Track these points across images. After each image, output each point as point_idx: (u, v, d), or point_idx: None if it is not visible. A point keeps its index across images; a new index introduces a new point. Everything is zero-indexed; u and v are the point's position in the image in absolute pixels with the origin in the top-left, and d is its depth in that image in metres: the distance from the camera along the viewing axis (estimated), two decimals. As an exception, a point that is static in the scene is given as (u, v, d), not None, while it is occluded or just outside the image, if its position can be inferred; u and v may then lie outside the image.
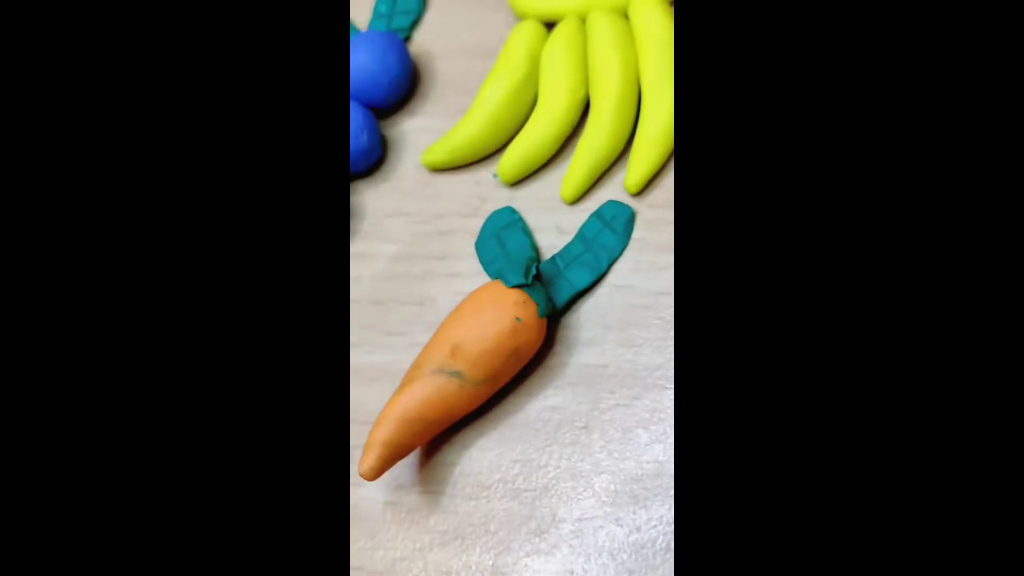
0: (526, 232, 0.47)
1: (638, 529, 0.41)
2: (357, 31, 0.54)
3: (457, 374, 0.42)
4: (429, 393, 0.42)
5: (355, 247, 0.50)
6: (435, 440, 0.44)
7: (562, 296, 0.45)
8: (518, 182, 0.49)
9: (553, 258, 0.46)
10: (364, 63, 0.50)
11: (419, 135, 0.52)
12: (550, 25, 0.52)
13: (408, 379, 0.43)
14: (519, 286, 0.43)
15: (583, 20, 0.50)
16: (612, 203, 0.47)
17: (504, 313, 0.43)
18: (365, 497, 0.44)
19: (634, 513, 0.41)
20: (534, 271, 0.44)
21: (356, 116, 0.49)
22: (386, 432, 0.42)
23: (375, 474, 0.41)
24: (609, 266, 0.46)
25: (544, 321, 0.43)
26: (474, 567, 0.41)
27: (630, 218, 0.46)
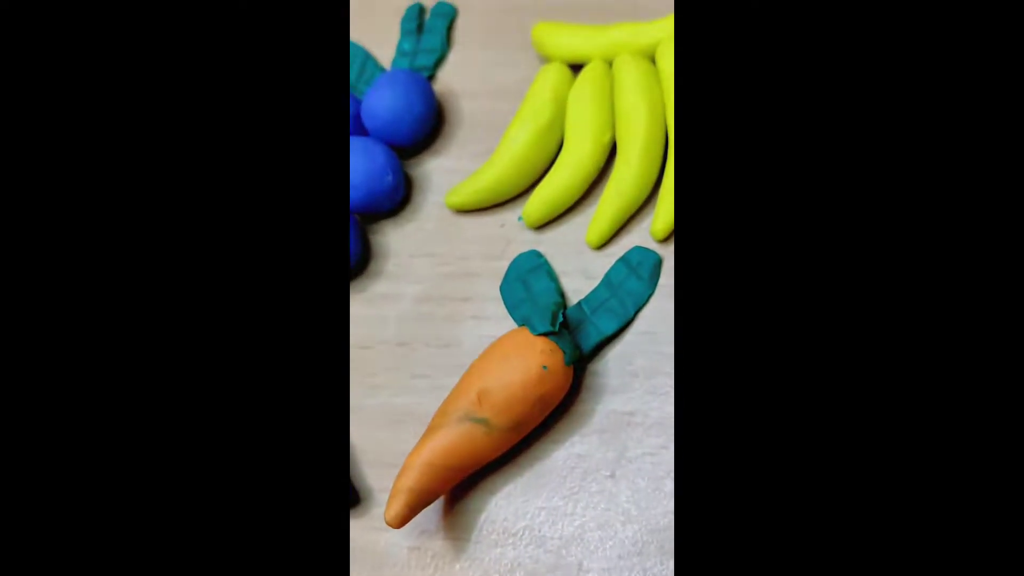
0: (552, 276, 0.47)
1: (665, 581, 0.41)
2: (381, 69, 0.54)
3: (483, 421, 0.42)
4: (455, 440, 0.42)
5: (380, 287, 0.50)
6: (460, 486, 0.44)
7: (589, 342, 0.45)
8: (543, 225, 0.49)
9: (579, 304, 0.46)
10: (388, 102, 0.50)
11: (443, 175, 0.52)
12: (576, 67, 0.52)
13: (434, 426, 0.43)
14: (546, 334, 0.43)
15: (609, 63, 0.50)
16: (638, 249, 0.47)
17: (531, 361, 0.43)
18: (391, 542, 0.44)
19: (661, 564, 0.41)
20: (561, 318, 0.44)
21: (380, 156, 0.49)
22: (412, 479, 0.41)
23: (401, 521, 0.41)
24: (636, 313, 0.46)
25: (571, 369, 0.43)
26: (500, 617, 0.41)
27: (656, 264, 0.46)
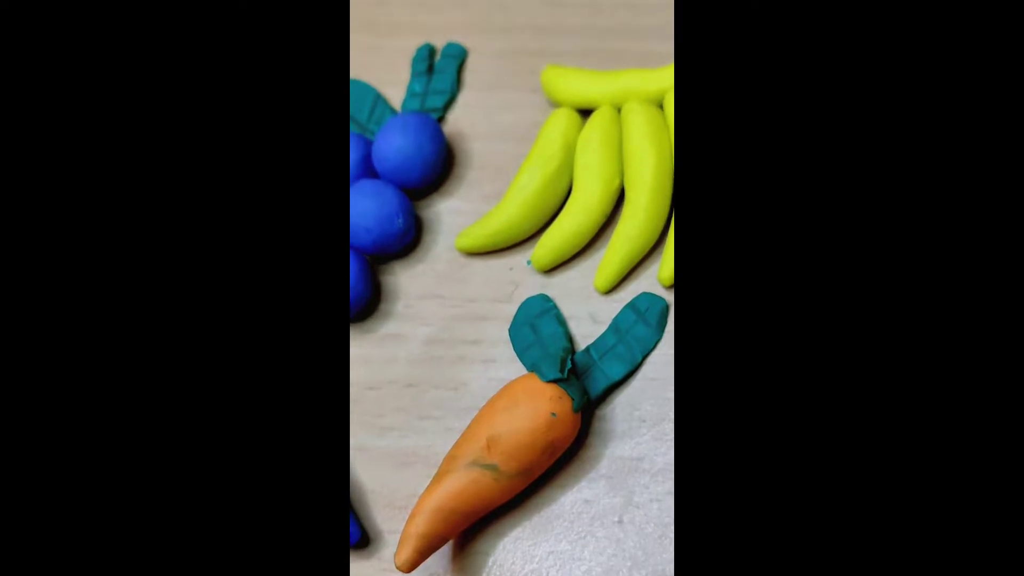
0: (560, 321, 0.48)
1: (672, 628, 0.41)
2: (392, 110, 0.55)
3: (492, 467, 0.43)
4: (464, 486, 0.43)
5: (390, 328, 0.50)
6: (469, 530, 0.45)
7: (597, 388, 0.46)
8: (552, 269, 0.50)
9: (587, 349, 0.47)
10: (399, 146, 0.51)
11: (453, 217, 0.52)
12: (585, 112, 0.53)
13: (443, 471, 0.43)
14: (555, 380, 0.44)
15: (618, 109, 0.51)
16: (646, 295, 0.47)
17: (540, 408, 0.43)
18: (399, 586, 0.44)
19: (668, 611, 0.41)
20: (569, 364, 0.44)
21: (391, 200, 0.50)
22: (421, 525, 0.42)
23: (411, 567, 0.41)
24: (643, 358, 0.46)
25: (579, 415, 0.44)
26: (508, 662, 0.42)
27: (664, 310, 0.47)
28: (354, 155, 0.52)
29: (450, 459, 0.44)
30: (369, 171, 0.52)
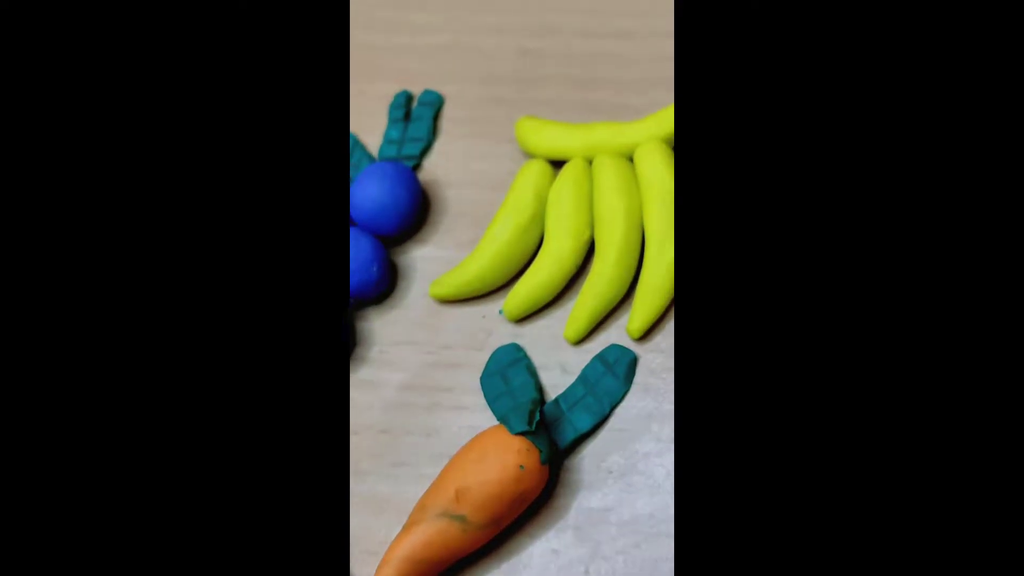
0: (531, 371, 0.49)
1: None
2: (369, 156, 0.56)
3: (461, 518, 0.44)
4: (432, 536, 0.44)
5: (364, 374, 0.51)
6: (439, 578, 0.46)
7: (565, 439, 0.47)
8: (523, 318, 0.51)
9: (556, 400, 0.48)
10: (374, 195, 0.52)
11: (428, 264, 0.53)
12: (558, 162, 0.53)
13: (413, 520, 0.44)
14: (523, 433, 0.44)
15: (590, 162, 0.52)
16: (615, 347, 0.48)
17: (508, 460, 0.44)
18: (370, 633, 0.45)
19: (631, 662, 0.42)
20: (538, 416, 0.45)
21: (366, 248, 0.51)
22: (391, 573, 0.43)
23: (380, 615, 0.42)
24: (611, 410, 0.47)
25: (547, 467, 0.45)
26: None
27: (632, 363, 0.48)
28: (331, 202, 0.53)
29: (420, 508, 0.45)
30: (346, 218, 0.53)
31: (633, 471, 0.46)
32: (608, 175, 0.50)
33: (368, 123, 0.58)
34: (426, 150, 0.56)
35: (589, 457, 0.47)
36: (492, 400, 0.48)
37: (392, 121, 0.57)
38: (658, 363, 0.48)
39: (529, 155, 0.54)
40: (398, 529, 0.46)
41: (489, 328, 0.51)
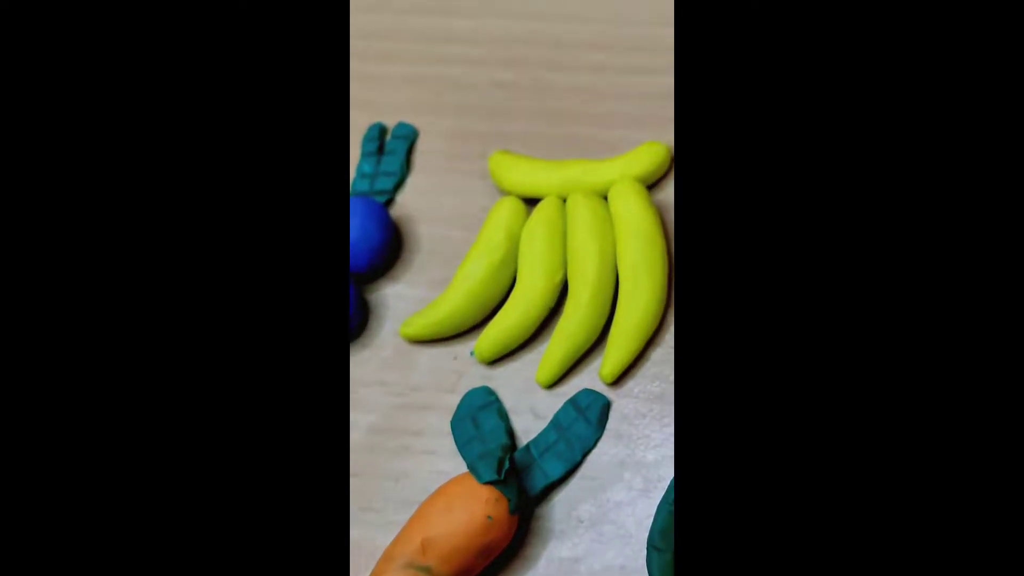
0: (502, 415, 0.48)
1: None
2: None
3: (426, 570, 0.43)
4: (399, 587, 0.43)
5: (333, 416, 0.50)
6: (405, 629, 0.45)
7: (535, 486, 0.46)
8: (495, 360, 0.50)
9: (527, 446, 0.47)
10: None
11: (399, 302, 0.52)
12: (532, 199, 0.53)
13: (379, 571, 0.43)
14: (491, 482, 0.43)
15: (563, 199, 0.51)
16: (587, 392, 0.47)
17: (475, 511, 0.43)
18: None
19: None
20: (507, 465, 0.44)
21: (337, 287, 0.50)
22: (356, 626, 0.42)
23: (344, 670, 0.41)
24: (583, 457, 0.46)
25: (516, 517, 0.44)
26: None
27: (605, 408, 0.47)
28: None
29: (386, 558, 0.43)
30: (316, 254, 0.52)
31: (604, 520, 0.45)
32: (582, 214, 0.49)
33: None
34: (399, 185, 0.55)
35: (560, 505, 0.46)
36: (462, 445, 0.47)
37: (365, 154, 0.56)
38: (631, 408, 0.47)
39: (502, 191, 0.53)
40: (365, 576, 0.45)
41: (460, 370, 0.50)
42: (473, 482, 0.44)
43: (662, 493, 0.45)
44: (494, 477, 0.43)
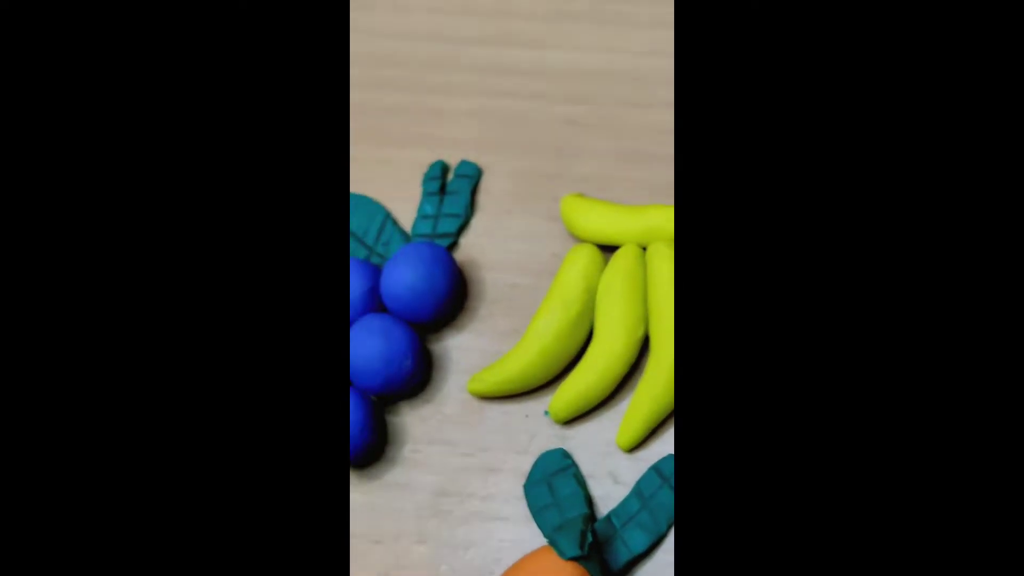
0: (579, 480, 0.45)
1: None
2: (401, 232, 0.52)
3: (507, 653, 0.40)
4: (476, 672, 0.40)
5: (396, 476, 0.47)
6: None
7: (618, 561, 0.43)
8: (571, 420, 0.47)
9: (609, 516, 0.44)
10: (409, 280, 0.48)
11: (464, 354, 0.49)
12: (605, 247, 0.49)
13: (454, 653, 0.40)
14: (574, 558, 0.40)
15: (643, 248, 0.48)
16: (671, 457, 0.44)
17: (559, 590, 0.40)
18: None
19: None
20: (590, 538, 0.41)
21: (401, 339, 0.47)
22: None
23: None
24: (668, 528, 0.43)
25: (600, 596, 0.41)
26: None
27: (691, 476, 0.44)
28: (361, 286, 0.49)
29: (460, 639, 0.41)
30: (376, 302, 0.49)
31: (694, 599, 0.42)
32: (664, 265, 0.46)
33: (399, 192, 0.53)
34: (463, 227, 0.52)
35: (644, 581, 0.43)
36: (537, 512, 0.44)
37: (426, 195, 0.52)
38: (721, 478, 0.44)
39: (575, 237, 0.50)
40: (433, 651, 0.42)
41: (532, 430, 0.47)
42: (556, 559, 0.41)
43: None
44: (577, 552, 0.40)
